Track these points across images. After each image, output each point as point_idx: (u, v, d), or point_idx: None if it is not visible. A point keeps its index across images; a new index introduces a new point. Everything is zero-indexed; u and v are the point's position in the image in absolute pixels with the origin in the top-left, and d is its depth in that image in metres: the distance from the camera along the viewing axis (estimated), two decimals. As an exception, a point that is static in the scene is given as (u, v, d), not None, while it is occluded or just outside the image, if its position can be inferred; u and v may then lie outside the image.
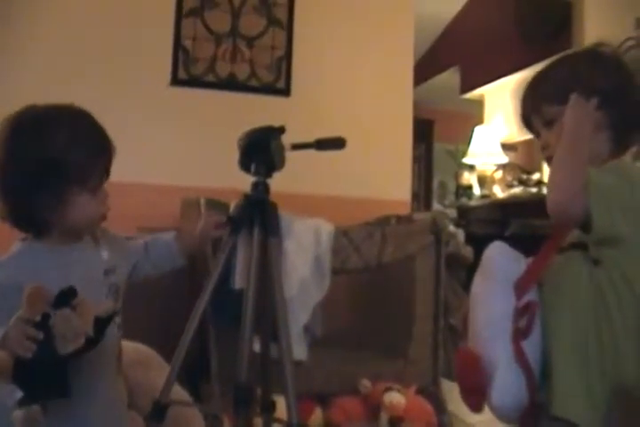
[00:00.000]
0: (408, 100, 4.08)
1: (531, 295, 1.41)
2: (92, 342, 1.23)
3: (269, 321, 1.70)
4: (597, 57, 1.58)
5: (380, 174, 3.88)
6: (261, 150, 1.59)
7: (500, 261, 1.47)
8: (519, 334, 1.36)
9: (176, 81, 3.59)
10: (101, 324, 1.26)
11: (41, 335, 1.19)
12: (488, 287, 1.45)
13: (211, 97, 3.63)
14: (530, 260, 1.47)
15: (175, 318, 2.14)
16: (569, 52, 1.70)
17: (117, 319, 1.51)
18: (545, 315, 1.41)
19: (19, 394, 1.25)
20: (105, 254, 1.53)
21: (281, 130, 1.62)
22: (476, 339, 1.43)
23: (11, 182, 1.36)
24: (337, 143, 1.74)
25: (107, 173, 1.47)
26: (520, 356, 1.35)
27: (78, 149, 1.39)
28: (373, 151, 3.83)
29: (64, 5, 3.45)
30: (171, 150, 3.50)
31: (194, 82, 3.61)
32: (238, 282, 2.19)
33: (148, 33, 3.57)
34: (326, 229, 2.78)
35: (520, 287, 1.40)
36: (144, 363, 1.86)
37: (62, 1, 3.45)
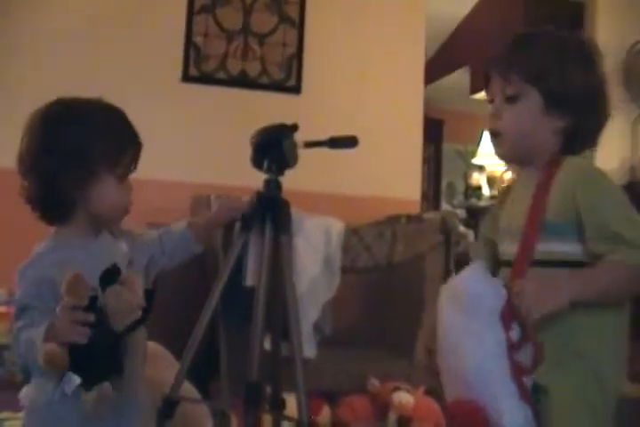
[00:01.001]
0: (419, 99, 4.08)
1: (516, 327, 1.33)
2: (146, 313, 1.25)
3: (280, 319, 1.70)
4: (590, 57, 1.52)
5: (391, 173, 3.88)
6: (274, 148, 1.58)
7: (479, 291, 1.38)
8: (520, 371, 1.30)
9: (187, 78, 3.60)
10: (150, 295, 1.28)
11: (92, 318, 1.19)
12: (472, 324, 1.35)
13: (222, 94, 3.64)
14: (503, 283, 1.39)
15: (185, 315, 2.14)
16: (570, 35, 1.61)
17: None
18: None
19: (73, 381, 1.24)
20: (124, 247, 1.54)
21: (294, 128, 1.61)
22: (467, 382, 1.36)
23: (41, 164, 1.39)
24: (350, 142, 1.74)
25: (134, 165, 1.49)
26: (524, 393, 1.30)
27: (109, 134, 1.43)
28: (384, 150, 3.82)
29: (80, 1, 3.45)
30: (181, 147, 3.51)
31: (205, 79, 3.62)
32: (250, 279, 2.18)
33: (159, 29, 3.58)
34: (337, 227, 2.78)
35: (506, 319, 1.32)
36: (154, 359, 1.86)
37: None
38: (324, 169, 3.46)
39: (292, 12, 3.78)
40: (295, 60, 3.76)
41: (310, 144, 1.66)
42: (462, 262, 3.14)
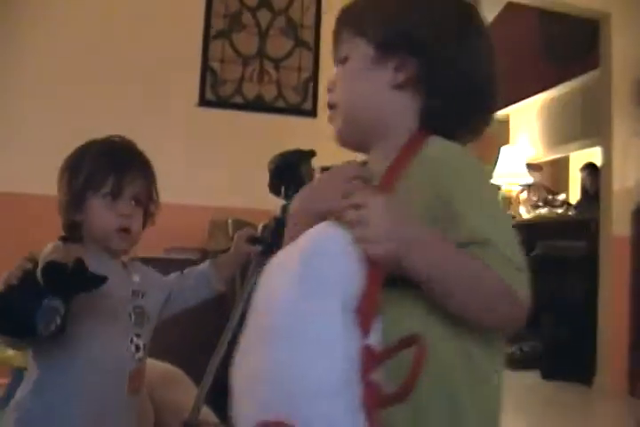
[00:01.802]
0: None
1: (377, 330, 0.83)
2: (67, 280, 1.28)
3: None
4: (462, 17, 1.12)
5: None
6: (291, 174, 1.59)
7: (339, 260, 0.83)
8: (376, 398, 0.77)
9: (204, 102, 3.64)
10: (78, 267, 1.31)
11: (29, 265, 1.28)
12: (318, 305, 0.80)
13: (238, 118, 3.67)
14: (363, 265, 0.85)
15: (204, 339, 2.14)
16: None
17: (136, 340, 1.53)
18: None
19: None
20: (136, 278, 1.59)
21: (311, 153, 1.62)
22: (287, 393, 0.77)
23: (58, 191, 1.57)
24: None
25: (125, 188, 1.54)
26: None
27: (92, 159, 1.54)
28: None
29: (95, 27, 3.51)
30: (199, 171, 3.53)
31: (221, 103, 3.65)
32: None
33: (176, 55, 3.62)
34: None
35: (366, 315, 0.81)
36: (172, 383, 1.87)
37: (92, 22, 3.51)
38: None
39: (308, 36, 3.83)
40: (311, 84, 3.79)
41: (327, 169, 1.67)
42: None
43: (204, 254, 2.79)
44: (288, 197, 1.60)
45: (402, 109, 1.08)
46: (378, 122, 1.10)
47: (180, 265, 1.76)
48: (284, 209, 1.61)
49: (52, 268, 1.26)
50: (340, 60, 1.13)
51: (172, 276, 1.71)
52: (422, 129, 1.07)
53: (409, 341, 0.79)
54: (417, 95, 1.07)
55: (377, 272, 0.84)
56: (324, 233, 0.87)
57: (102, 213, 1.51)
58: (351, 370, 0.77)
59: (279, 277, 0.85)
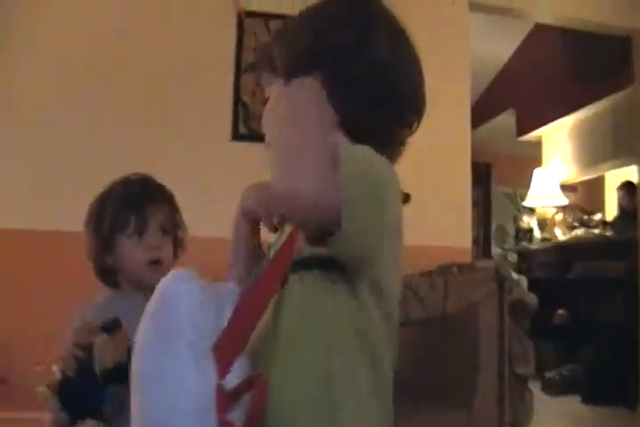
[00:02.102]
0: (466, 144, 4.07)
1: (241, 367, 0.84)
2: (124, 367, 1.30)
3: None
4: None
5: (439, 221, 3.84)
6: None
7: (189, 303, 0.86)
8: None
9: (236, 136, 3.69)
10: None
11: (81, 353, 1.30)
12: (169, 350, 0.83)
13: (270, 150, 3.69)
14: (234, 299, 0.90)
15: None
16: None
17: None
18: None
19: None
20: None
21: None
22: None
23: (86, 236, 1.61)
24: (402, 199, 1.75)
25: (150, 225, 1.58)
26: None
27: (114, 203, 1.59)
28: (431, 198, 3.80)
29: (132, 62, 3.59)
30: (233, 204, 3.53)
31: (254, 136, 3.69)
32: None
33: (207, 89, 3.68)
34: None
35: (224, 353, 0.83)
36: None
37: (129, 58, 3.59)
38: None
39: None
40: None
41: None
42: (516, 310, 3.13)
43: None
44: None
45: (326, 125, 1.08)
46: None
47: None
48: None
49: (110, 375, 1.29)
50: (264, 102, 1.16)
51: None
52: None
53: (251, 381, 0.81)
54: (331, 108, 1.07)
55: (241, 316, 0.86)
56: (174, 280, 0.91)
57: (131, 250, 1.55)
58: (206, 410, 0.78)
59: (142, 322, 0.89)
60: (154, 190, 1.66)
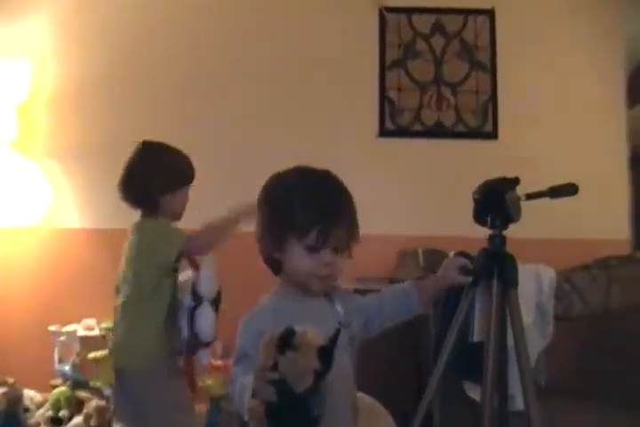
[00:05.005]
0: (621, 136, 3.91)
1: None
2: (322, 374, 1.27)
3: (505, 374, 1.67)
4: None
5: (596, 214, 3.72)
6: (497, 203, 1.58)
7: None
8: None
9: (384, 132, 3.70)
10: (326, 352, 1.29)
11: (276, 375, 1.22)
12: None
13: (418, 146, 3.70)
14: None
15: (402, 372, 2.14)
16: None
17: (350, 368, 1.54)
18: None
19: None
20: (339, 307, 1.57)
21: (515, 181, 1.60)
22: None
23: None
24: (570, 190, 1.71)
25: (332, 241, 1.48)
26: None
27: (300, 201, 1.48)
28: (586, 191, 3.66)
29: (285, 63, 3.68)
30: (383, 201, 3.57)
31: (401, 132, 3.69)
32: (477, 335, 2.16)
33: (353, 87, 3.73)
34: (547, 274, 2.70)
35: None
36: (372, 416, 1.87)
37: (281, 60, 3.68)
38: (523, 214, 3.39)
39: (483, 57, 3.80)
40: (490, 106, 3.75)
41: (532, 196, 1.64)
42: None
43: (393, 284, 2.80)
44: (495, 226, 1.59)
45: None
46: None
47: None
48: (492, 239, 1.60)
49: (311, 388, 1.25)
50: None
51: (370, 298, 1.66)
52: None
53: None
54: None
55: None
56: None
57: (304, 262, 1.47)
58: None
59: None
60: (344, 203, 1.55)
